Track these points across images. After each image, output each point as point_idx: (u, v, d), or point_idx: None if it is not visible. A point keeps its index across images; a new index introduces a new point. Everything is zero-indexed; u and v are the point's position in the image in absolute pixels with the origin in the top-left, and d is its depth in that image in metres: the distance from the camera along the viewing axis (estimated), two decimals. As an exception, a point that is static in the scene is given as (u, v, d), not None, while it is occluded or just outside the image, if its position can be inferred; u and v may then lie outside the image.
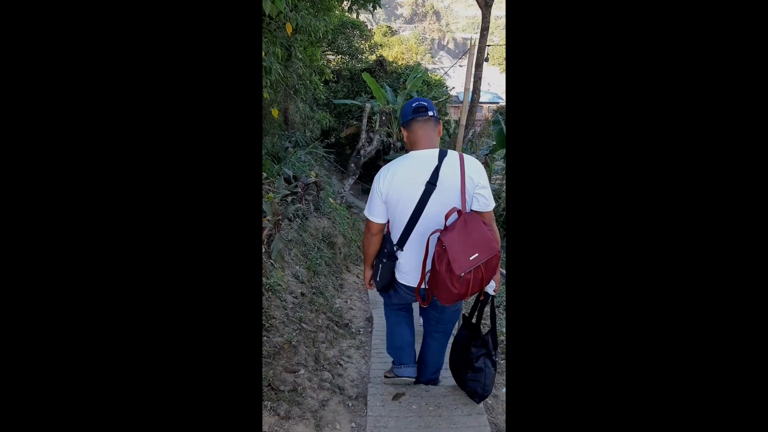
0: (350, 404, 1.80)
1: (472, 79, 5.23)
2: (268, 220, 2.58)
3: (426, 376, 1.91)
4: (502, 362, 2.30)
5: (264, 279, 2.35)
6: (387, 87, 8.84)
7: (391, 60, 11.08)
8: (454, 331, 1.86)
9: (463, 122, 3.66)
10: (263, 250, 2.62)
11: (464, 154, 1.49)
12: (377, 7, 4.96)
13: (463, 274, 1.34)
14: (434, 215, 1.45)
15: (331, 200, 4.87)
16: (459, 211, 1.40)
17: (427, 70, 9.91)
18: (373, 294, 3.63)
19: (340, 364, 2.22)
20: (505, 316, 2.85)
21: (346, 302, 3.30)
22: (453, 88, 13.19)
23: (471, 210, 1.44)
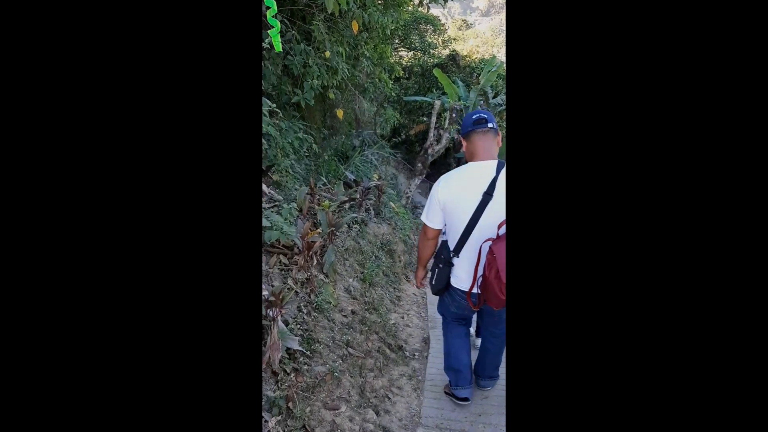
0: (394, 453, 1.59)
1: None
2: (319, 233, 2.44)
3: (484, 375, 2.03)
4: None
5: (312, 296, 2.21)
6: (459, 82, 8.44)
7: (464, 54, 10.58)
8: None
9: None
10: (315, 262, 2.49)
11: None
12: (448, 0, 4.64)
13: None
14: (490, 225, 1.50)
15: (393, 205, 4.67)
16: None
17: (502, 63, 9.29)
18: (433, 311, 3.37)
19: (389, 398, 2.01)
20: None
21: (403, 318, 3.08)
22: (532, 81, 12.25)
23: None
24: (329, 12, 3.17)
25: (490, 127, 1.55)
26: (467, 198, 1.53)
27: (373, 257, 3.48)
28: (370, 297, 2.89)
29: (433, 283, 1.74)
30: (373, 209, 4.08)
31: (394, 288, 3.52)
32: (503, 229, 1.45)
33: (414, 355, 2.54)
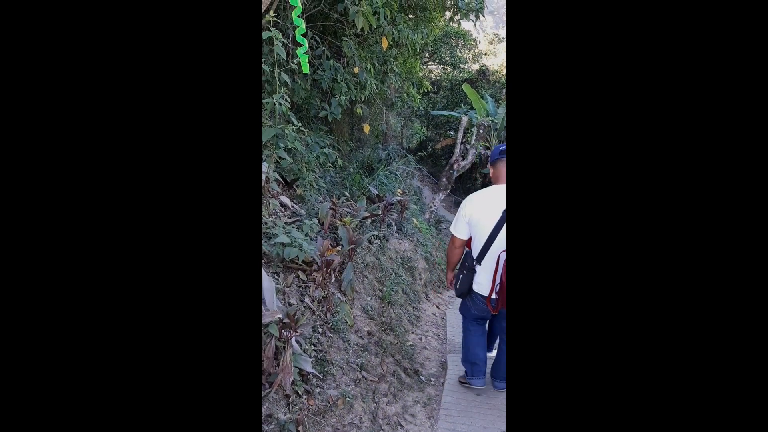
0: (403, 488, 1.53)
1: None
2: (338, 251, 2.42)
3: (500, 376, 2.22)
4: None
5: (329, 315, 2.19)
6: (488, 98, 8.36)
7: (495, 69, 10.50)
8: None
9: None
10: (333, 279, 2.48)
11: None
12: (480, 17, 4.62)
13: None
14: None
15: (415, 220, 4.63)
16: None
17: (534, 79, 9.13)
18: (452, 333, 3.29)
19: (401, 425, 1.95)
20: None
21: (421, 339, 3.01)
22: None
23: None
24: (359, 29, 3.21)
25: None
26: (489, 214, 1.82)
27: (393, 274, 3.44)
28: (388, 317, 2.85)
29: (458, 286, 2.03)
30: (395, 225, 4.05)
31: (414, 307, 3.46)
32: None
33: (430, 380, 2.47)
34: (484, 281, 1.92)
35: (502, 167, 1.88)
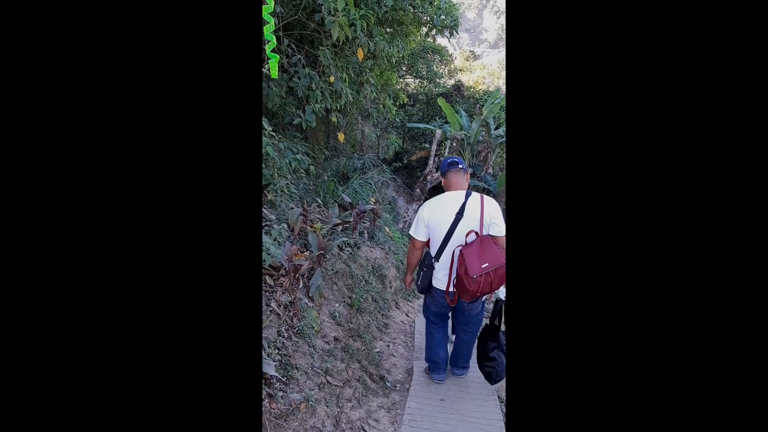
0: (363, 491, 1.54)
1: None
2: (306, 256, 2.43)
3: (458, 365, 2.51)
4: None
5: (295, 321, 2.19)
6: (462, 112, 8.58)
7: (470, 85, 10.80)
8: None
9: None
10: (301, 285, 2.47)
11: (484, 195, 2.06)
12: (454, 34, 4.76)
13: (475, 276, 1.86)
14: (461, 236, 2.03)
15: (387, 229, 4.67)
16: (477, 234, 1.98)
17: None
18: (420, 340, 3.33)
19: (364, 430, 1.96)
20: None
21: (388, 346, 3.03)
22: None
23: (488, 234, 1.98)
24: (335, 39, 3.26)
25: (460, 167, 2.15)
26: (445, 217, 2.06)
27: (363, 282, 3.45)
28: (356, 323, 2.85)
29: (419, 283, 2.24)
30: (367, 233, 4.08)
31: (383, 315, 3.48)
32: (470, 237, 1.98)
33: (395, 386, 2.49)
34: (442, 276, 2.15)
35: (451, 176, 2.14)
